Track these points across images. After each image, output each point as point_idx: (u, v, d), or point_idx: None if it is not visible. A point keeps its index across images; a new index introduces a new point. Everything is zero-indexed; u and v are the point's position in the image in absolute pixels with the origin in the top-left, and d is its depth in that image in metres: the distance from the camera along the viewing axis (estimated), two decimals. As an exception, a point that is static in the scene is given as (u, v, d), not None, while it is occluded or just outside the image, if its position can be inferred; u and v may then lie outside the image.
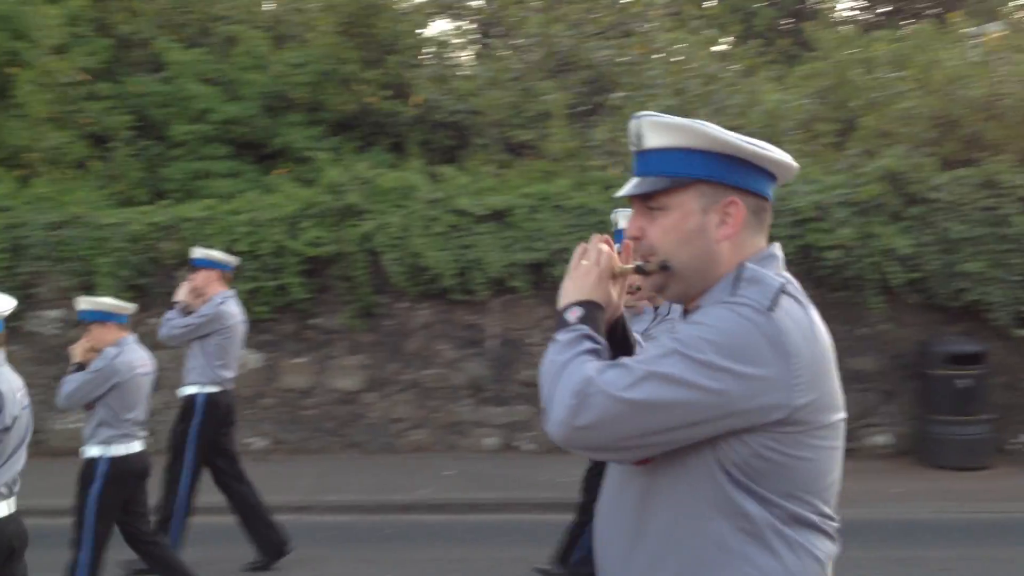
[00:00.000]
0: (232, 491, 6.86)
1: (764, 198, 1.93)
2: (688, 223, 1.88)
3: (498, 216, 10.46)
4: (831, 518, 1.84)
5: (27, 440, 4.22)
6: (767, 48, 14.05)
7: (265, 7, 13.94)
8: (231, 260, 7.18)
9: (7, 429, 4.04)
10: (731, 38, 14.94)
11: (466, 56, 14.36)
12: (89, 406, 5.54)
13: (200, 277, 6.89)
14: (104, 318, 5.59)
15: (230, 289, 7.05)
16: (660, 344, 1.79)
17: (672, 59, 12.71)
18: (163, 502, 6.64)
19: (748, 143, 1.89)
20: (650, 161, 1.91)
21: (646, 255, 1.92)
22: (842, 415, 1.86)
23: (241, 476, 6.89)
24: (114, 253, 10.46)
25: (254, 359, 10.60)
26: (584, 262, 1.94)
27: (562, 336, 1.85)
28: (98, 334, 5.57)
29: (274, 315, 10.49)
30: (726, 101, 12.16)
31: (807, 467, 1.78)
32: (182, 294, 6.91)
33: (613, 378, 1.74)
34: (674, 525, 1.80)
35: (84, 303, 5.65)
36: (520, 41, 13.13)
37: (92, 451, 5.54)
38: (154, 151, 12.25)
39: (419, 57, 13.37)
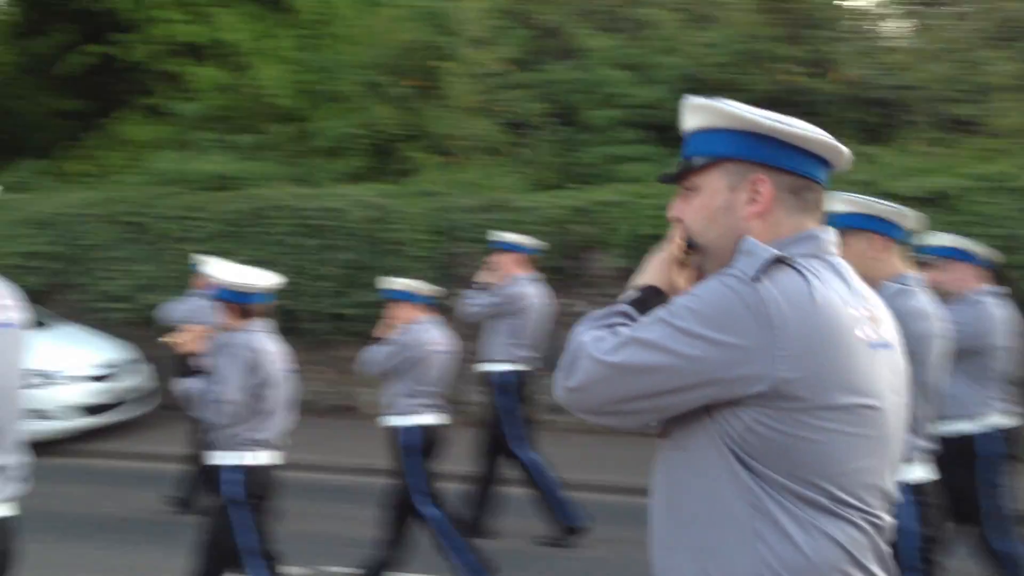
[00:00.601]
0: (488, 462, 7.02)
1: (807, 178, 1.88)
2: (715, 201, 1.90)
3: (932, 200, 9.37)
4: (856, 507, 1.76)
5: (290, 402, 4.80)
6: None
7: (677, -11, 13.65)
8: (531, 243, 7.32)
9: (262, 384, 4.62)
10: None
11: (894, 27, 13.21)
12: (387, 377, 5.86)
13: (499, 259, 7.11)
14: (404, 297, 5.90)
15: (532, 272, 7.22)
16: (653, 313, 1.82)
17: None
18: (530, 481, 6.89)
19: (770, 119, 1.85)
20: (687, 143, 1.96)
21: (685, 237, 1.96)
22: (866, 400, 1.76)
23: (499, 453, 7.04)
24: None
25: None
26: (661, 251, 2.01)
27: (597, 311, 1.93)
28: (398, 312, 5.89)
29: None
30: None
31: (811, 448, 1.73)
32: (483, 276, 7.15)
33: (604, 344, 1.81)
34: (693, 500, 1.81)
35: (388, 283, 5.97)
36: (962, 8, 11.81)
37: (391, 421, 5.86)
38: (569, 136, 12.37)
39: (840, 31, 12.45)
